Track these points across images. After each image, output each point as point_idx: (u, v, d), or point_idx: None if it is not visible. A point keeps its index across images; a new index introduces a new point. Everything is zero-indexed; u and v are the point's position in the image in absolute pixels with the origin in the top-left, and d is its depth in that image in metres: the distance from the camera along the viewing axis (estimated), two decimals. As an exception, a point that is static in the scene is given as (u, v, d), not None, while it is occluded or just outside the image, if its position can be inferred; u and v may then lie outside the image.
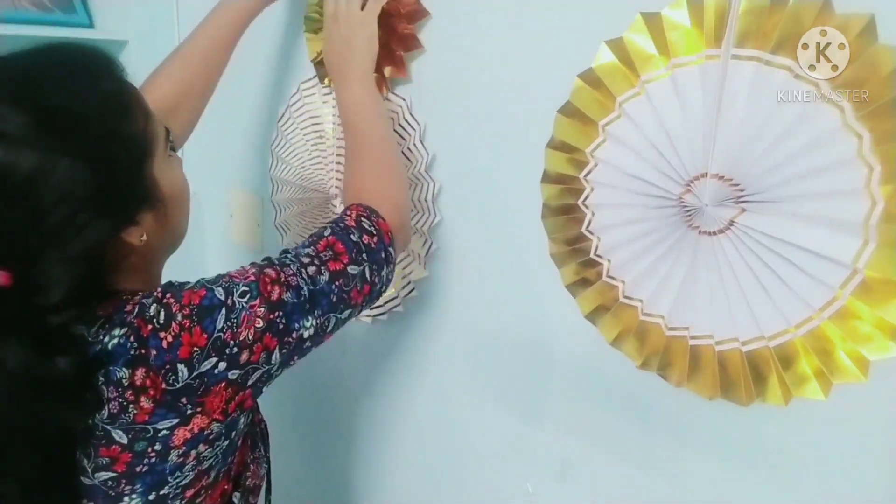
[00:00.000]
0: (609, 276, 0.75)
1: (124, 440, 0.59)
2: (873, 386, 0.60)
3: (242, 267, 0.65)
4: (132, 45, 1.39)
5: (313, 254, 0.67)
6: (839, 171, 0.59)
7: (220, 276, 0.63)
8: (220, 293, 0.60)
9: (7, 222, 0.55)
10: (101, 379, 0.57)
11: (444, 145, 0.91)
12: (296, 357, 0.66)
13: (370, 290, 0.70)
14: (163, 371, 0.57)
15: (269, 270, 0.63)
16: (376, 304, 1.02)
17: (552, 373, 0.85)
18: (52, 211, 0.55)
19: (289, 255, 0.67)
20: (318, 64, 1.02)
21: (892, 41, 0.55)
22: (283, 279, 0.63)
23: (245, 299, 0.60)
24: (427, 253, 0.94)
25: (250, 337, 0.60)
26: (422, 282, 0.97)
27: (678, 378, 0.71)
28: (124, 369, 0.57)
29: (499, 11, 0.81)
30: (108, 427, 0.58)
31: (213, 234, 1.40)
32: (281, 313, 0.62)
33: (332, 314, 0.66)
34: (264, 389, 0.66)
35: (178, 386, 0.58)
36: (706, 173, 0.65)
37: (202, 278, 0.63)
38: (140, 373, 0.57)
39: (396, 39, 0.90)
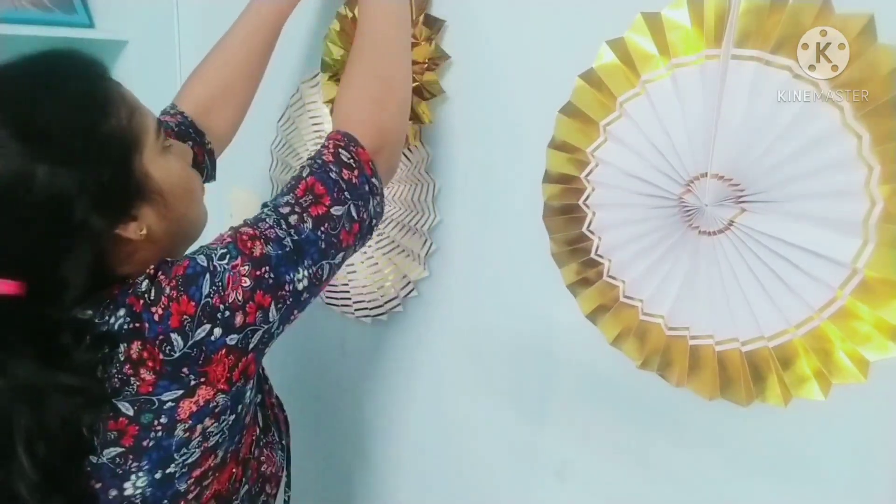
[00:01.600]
0: (610, 276, 0.75)
1: (130, 412, 0.59)
2: (873, 386, 0.60)
3: (220, 234, 0.64)
4: (132, 45, 1.39)
5: (293, 201, 0.65)
6: (839, 171, 0.59)
7: (201, 247, 0.63)
8: (201, 260, 0.60)
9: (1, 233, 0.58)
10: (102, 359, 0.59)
11: (444, 146, 0.91)
12: (295, 311, 0.65)
13: (360, 227, 0.68)
14: (157, 342, 0.58)
15: (245, 229, 0.63)
16: (376, 305, 1.03)
17: (553, 372, 0.86)
18: (38, 216, 0.58)
19: (266, 208, 0.65)
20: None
21: (891, 41, 0.55)
22: (260, 233, 0.62)
23: (225, 261, 0.60)
24: (427, 253, 0.94)
25: (240, 298, 0.60)
26: (422, 282, 0.97)
27: (678, 378, 0.71)
28: (120, 345, 0.59)
29: (499, 12, 0.81)
30: (114, 401, 0.59)
31: (213, 234, 1.39)
32: (267, 268, 0.61)
33: (324, 262, 0.65)
34: (266, 351, 0.65)
35: (176, 356, 0.58)
36: (706, 173, 0.65)
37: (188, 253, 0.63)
38: (136, 346, 0.58)
39: (418, 89, 0.88)
